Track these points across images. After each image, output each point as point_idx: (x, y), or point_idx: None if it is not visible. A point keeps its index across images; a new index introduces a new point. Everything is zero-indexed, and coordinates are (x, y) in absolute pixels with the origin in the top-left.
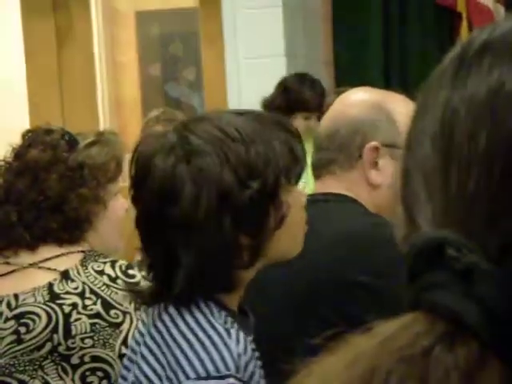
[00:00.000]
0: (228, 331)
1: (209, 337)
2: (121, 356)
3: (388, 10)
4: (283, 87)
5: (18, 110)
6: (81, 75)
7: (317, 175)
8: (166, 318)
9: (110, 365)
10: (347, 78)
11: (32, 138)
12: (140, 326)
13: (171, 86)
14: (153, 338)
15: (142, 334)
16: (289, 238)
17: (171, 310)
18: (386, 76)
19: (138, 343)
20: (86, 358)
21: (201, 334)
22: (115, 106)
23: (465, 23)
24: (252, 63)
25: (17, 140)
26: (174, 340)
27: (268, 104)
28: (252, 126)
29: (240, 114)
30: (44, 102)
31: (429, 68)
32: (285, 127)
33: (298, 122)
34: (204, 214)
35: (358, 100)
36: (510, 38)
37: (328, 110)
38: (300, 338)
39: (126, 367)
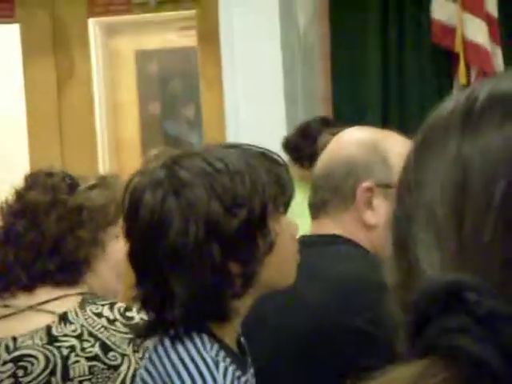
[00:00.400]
0: (217, 364)
1: (197, 367)
2: None
3: (387, 48)
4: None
5: (17, 150)
6: (80, 116)
7: (313, 216)
8: (160, 350)
9: None
10: (345, 117)
11: (33, 180)
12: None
13: (170, 124)
14: (147, 370)
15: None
16: (280, 266)
17: (166, 342)
18: (384, 116)
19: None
20: None
21: (190, 366)
22: (115, 146)
23: (462, 63)
24: (251, 104)
25: (14, 179)
26: (167, 372)
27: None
28: (238, 157)
29: (228, 146)
30: (43, 143)
31: (426, 109)
32: (270, 157)
33: None
34: (193, 244)
35: (352, 140)
36: None
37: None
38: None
39: None
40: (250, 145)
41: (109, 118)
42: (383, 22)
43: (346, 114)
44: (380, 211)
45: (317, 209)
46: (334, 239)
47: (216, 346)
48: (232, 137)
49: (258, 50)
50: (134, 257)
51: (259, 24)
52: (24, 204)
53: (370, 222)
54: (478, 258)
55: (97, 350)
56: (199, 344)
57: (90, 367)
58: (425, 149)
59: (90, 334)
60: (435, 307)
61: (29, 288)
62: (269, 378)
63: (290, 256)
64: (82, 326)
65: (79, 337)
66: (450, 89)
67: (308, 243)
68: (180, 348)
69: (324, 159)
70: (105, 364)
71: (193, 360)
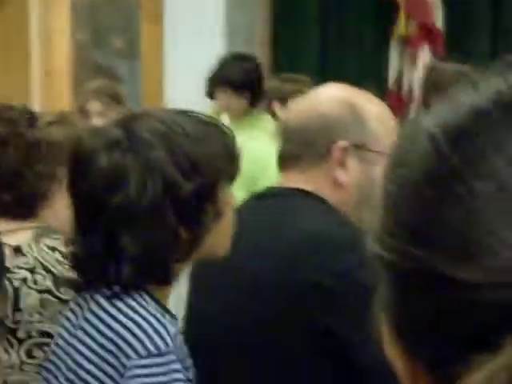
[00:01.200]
0: (162, 315)
1: (144, 318)
2: None
3: None
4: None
5: None
6: (16, 41)
7: (282, 168)
8: (96, 309)
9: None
10: (283, 59)
11: None
12: (68, 313)
13: (100, 53)
14: (84, 329)
15: (70, 321)
16: (221, 236)
17: (101, 300)
18: (322, 62)
19: (66, 329)
20: (33, 333)
21: (136, 317)
22: (46, 73)
23: (402, 14)
24: (190, 41)
25: None
26: (109, 326)
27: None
28: (195, 125)
29: (181, 112)
30: None
31: (364, 53)
32: (221, 128)
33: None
34: (149, 203)
35: (330, 97)
36: None
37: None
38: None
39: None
40: (200, 113)
41: (42, 45)
42: None
43: (284, 58)
44: (352, 171)
45: (286, 161)
46: (301, 192)
47: (155, 305)
48: (171, 71)
49: None
50: (80, 211)
51: None
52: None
53: (340, 181)
54: None
55: (49, 283)
56: (141, 300)
57: (42, 300)
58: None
59: (43, 267)
60: None
61: None
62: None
63: (230, 228)
64: (36, 258)
65: (32, 269)
66: (389, 39)
67: (273, 194)
68: (120, 304)
69: (298, 112)
70: (56, 297)
71: (138, 313)
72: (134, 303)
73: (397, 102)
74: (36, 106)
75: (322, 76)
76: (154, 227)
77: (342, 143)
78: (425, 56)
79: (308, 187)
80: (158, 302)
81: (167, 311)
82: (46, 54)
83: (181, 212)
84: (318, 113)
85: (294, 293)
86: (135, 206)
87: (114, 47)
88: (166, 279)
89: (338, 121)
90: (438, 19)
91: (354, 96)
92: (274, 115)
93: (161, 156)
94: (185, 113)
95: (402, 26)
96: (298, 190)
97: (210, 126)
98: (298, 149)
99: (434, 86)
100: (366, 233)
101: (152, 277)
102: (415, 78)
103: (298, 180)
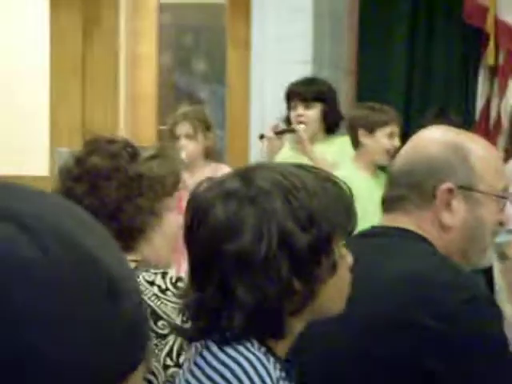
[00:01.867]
0: (267, 369)
1: (250, 363)
2: (165, 367)
3: (415, 24)
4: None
5: (39, 99)
6: (104, 66)
7: (386, 209)
8: (206, 354)
9: (154, 375)
10: (369, 89)
11: (94, 146)
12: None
13: (181, 76)
14: (193, 374)
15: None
16: (336, 292)
17: (211, 344)
18: (408, 91)
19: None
20: None
21: (243, 362)
22: (133, 98)
23: (492, 44)
24: (277, 68)
25: (35, 127)
26: (215, 369)
27: None
28: (312, 178)
29: (299, 166)
30: (65, 91)
31: (451, 88)
32: (340, 185)
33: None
34: (265, 253)
35: (435, 139)
36: None
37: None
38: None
39: None
40: (319, 169)
41: (129, 69)
42: None
43: (369, 86)
44: (458, 213)
45: (392, 203)
46: (407, 233)
47: (271, 359)
48: (256, 98)
49: (289, 15)
50: (197, 260)
51: None
52: (84, 169)
53: (446, 223)
54: None
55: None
56: (251, 347)
57: None
58: None
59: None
60: None
61: None
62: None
63: (346, 284)
64: None
65: None
66: (477, 68)
67: (377, 233)
68: (230, 350)
69: (405, 155)
70: (154, 332)
71: (247, 359)
72: (243, 349)
73: (484, 133)
74: (123, 131)
75: (409, 105)
76: (268, 277)
77: (447, 185)
78: None
79: (413, 228)
80: (275, 356)
81: (281, 364)
82: (133, 79)
83: (295, 264)
84: (423, 155)
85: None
86: (250, 256)
87: (197, 71)
88: (278, 332)
89: (443, 162)
90: None
91: (458, 137)
92: (357, 144)
93: (278, 206)
94: (302, 166)
95: (491, 56)
96: (401, 229)
97: (328, 180)
98: (403, 191)
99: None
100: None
101: (264, 328)
102: (503, 108)
103: (402, 221)
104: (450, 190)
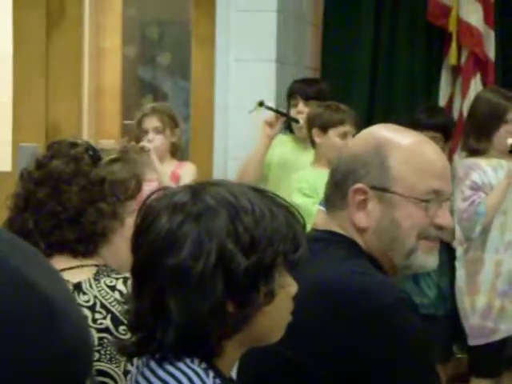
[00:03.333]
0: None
1: (188, 378)
2: (126, 372)
3: (379, 23)
4: None
5: (0, 92)
6: (68, 61)
7: (325, 208)
8: (146, 372)
9: (115, 380)
10: (332, 87)
11: (56, 149)
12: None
13: (146, 69)
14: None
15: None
16: (272, 321)
17: (151, 362)
18: (372, 89)
19: None
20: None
21: (181, 378)
22: (97, 92)
23: (454, 43)
24: (242, 66)
25: None
26: None
27: None
28: (264, 203)
29: (255, 189)
30: (29, 85)
31: (415, 86)
32: (292, 213)
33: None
34: (201, 270)
35: (362, 137)
36: None
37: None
38: None
39: None
40: (275, 194)
41: (93, 63)
42: None
43: (332, 84)
44: (371, 214)
45: (325, 202)
46: (334, 236)
47: (205, 367)
48: (221, 94)
49: (253, 10)
50: (136, 270)
51: None
52: (46, 173)
53: (359, 225)
54: None
55: (108, 322)
56: (189, 362)
57: (100, 339)
58: None
59: (103, 306)
60: None
61: (46, 256)
62: None
63: (284, 315)
64: (95, 297)
65: (92, 308)
66: (440, 68)
67: (309, 239)
68: (168, 367)
69: (339, 152)
70: (115, 337)
71: (185, 375)
72: (182, 365)
73: None
74: (87, 125)
75: (372, 103)
76: (202, 296)
77: (358, 185)
78: (477, 86)
79: (338, 229)
80: (217, 370)
81: (224, 381)
82: (97, 73)
83: (231, 286)
84: (348, 154)
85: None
86: (187, 272)
87: (161, 65)
88: (208, 353)
89: (360, 162)
90: (491, 49)
91: (387, 136)
92: (313, 143)
93: (222, 226)
94: (259, 190)
95: (453, 56)
96: (330, 232)
97: (281, 206)
98: (329, 189)
99: (469, 115)
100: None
101: (194, 346)
102: (465, 108)
103: (331, 223)
104: (362, 191)
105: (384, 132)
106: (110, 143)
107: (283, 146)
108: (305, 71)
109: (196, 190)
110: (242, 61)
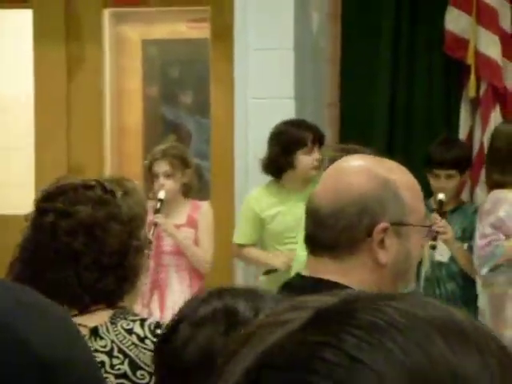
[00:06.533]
0: None
1: None
2: None
3: (397, 56)
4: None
5: (24, 133)
6: (89, 103)
7: (313, 252)
8: None
9: None
10: (352, 122)
11: (74, 195)
12: None
13: (168, 109)
14: None
15: None
16: None
17: None
18: (391, 122)
19: None
20: None
21: None
22: (119, 133)
23: (473, 76)
24: (260, 103)
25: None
26: None
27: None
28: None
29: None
30: (50, 127)
31: (434, 118)
32: None
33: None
34: None
35: (361, 173)
36: None
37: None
38: None
39: None
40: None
41: (114, 105)
42: (395, 29)
43: (352, 118)
44: (391, 250)
45: (319, 246)
46: (331, 287)
47: None
48: (240, 132)
49: (270, 48)
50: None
51: (273, 22)
52: (77, 221)
53: (382, 262)
54: None
55: (126, 367)
56: None
57: None
58: None
59: (120, 351)
60: None
61: (86, 307)
62: None
63: None
64: (113, 341)
65: (109, 353)
66: (459, 100)
67: (301, 287)
68: None
69: (330, 191)
70: (133, 382)
71: None
72: None
73: None
74: (109, 166)
75: (391, 136)
76: None
77: (383, 225)
78: (496, 118)
79: (339, 277)
80: None
81: None
82: (118, 114)
83: None
84: (353, 193)
85: None
86: None
87: (184, 104)
88: None
89: (376, 200)
90: (509, 81)
91: (383, 169)
92: None
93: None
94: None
95: (472, 88)
96: (325, 282)
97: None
98: (334, 234)
99: (489, 149)
100: None
101: None
102: (486, 140)
103: (329, 270)
104: (385, 229)
105: (373, 164)
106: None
107: (273, 199)
108: (324, 107)
109: (227, 300)
110: (261, 98)
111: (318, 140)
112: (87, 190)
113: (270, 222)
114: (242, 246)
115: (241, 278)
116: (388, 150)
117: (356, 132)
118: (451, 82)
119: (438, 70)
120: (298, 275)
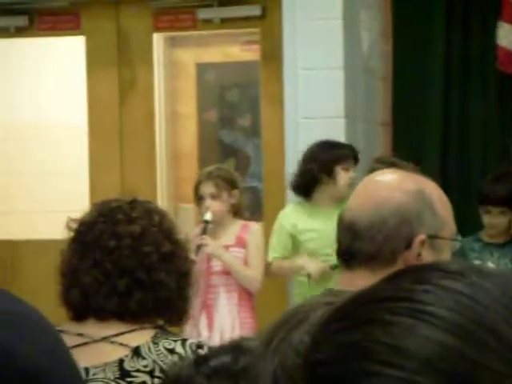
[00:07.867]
0: None
1: None
2: None
3: (450, 73)
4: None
5: (78, 161)
6: (141, 127)
7: (349, 266)
8: None
9: None
10: (405, 141)
11: (123, 212)
12: None
13: (226, 132)
14: None
15: None
16: None
17: None
18: (445, 140)
19: None
20: None
21: None
22: (173, 156)
23: None
24: (311, 123)
25: (75, 188)
26: None
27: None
28: None
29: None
30: (103, 153)
31: (488, 136)
32: None
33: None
34: None
35: (398, 186)
36: None
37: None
38: None
39: None
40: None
41: (168, 129)
42: (447, 46)
43: (405, 138)
44: (426, 262)
45: (357, 260)
46: None
47: None
48: (291, 152)
49: (320, 69)
50: None
51: (322, 43)
52: (146, 236)
53: None
54: None
55: None
56: None
57: None
58: None
59: (162, 371)
60: None
61: (104, 318)
62: None
63: None
64: (154, 361)
65: (151, 373)
66: None
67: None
68: None
69: (367, 203)
70: None
71: None
72: None
73: None
74: (163, 191)
75: (445, 155)
76: None
77: (421, 237)
78: None
79: None
80: None
81: None
82: (173, 138)
83: None
84: (392, 206)
85: None
86: None
87: (240, 126)
88: None
89: (414, 212)
90: None
91: (418, 183)
92: None
93: None
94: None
95: None
96: None
97: None
98: (375, 246)
99: None
100: None
101: None
102: None
103: (368, 282)
104: (423, 242)
105: (408, 178)
106: (188, 207)
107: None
108: (375, 126)
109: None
110: (311, 118)
111: (354, 158)
112: (132, 210)
113: (302, 240)
114: (273, 260)
115: (293, 296)
116: (441, 170)
117: (409, 151)
118: (505, 97)
119: (491, 85)
120: (330, 292)
